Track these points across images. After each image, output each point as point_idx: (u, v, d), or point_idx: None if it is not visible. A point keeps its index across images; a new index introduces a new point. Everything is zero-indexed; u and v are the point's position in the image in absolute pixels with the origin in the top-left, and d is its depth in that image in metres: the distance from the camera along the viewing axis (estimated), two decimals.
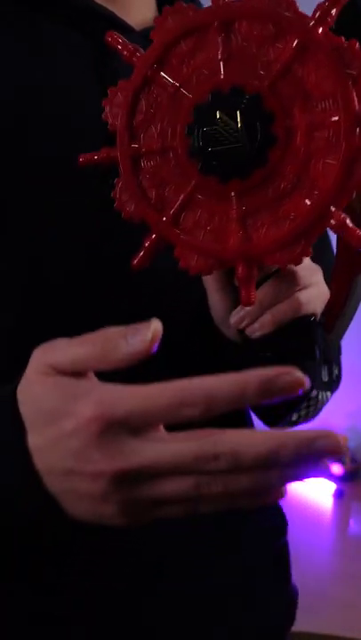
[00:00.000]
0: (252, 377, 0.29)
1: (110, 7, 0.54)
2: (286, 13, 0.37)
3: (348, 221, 0.37)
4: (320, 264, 0.48)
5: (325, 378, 0.61)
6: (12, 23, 0.51)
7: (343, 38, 0.36)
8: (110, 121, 0.40)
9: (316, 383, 0.59)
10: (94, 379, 0.34)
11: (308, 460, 0.29)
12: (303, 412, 0.60)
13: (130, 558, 0.52)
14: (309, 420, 0.63)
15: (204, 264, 0.40)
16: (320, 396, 0.60)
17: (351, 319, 0.53)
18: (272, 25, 0.37)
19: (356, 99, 0.36)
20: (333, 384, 0.64)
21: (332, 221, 0.37)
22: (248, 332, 0.41)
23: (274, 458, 0.29)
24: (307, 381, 0.29)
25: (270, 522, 0.62)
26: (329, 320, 0.53)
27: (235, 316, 0.45)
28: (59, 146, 0.42)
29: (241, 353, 0.48)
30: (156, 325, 0.32)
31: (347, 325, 0.53)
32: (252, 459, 0.29)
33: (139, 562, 0.53)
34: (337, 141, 0.36)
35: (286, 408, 0.59)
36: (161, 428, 0.32)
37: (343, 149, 0.36)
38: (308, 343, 0.50)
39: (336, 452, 0.28)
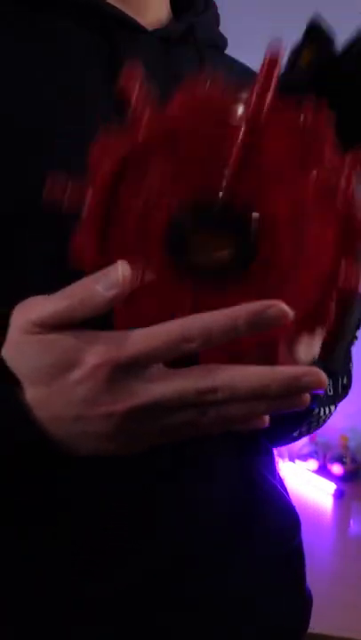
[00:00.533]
0: (242, 311, 0.32)
1: (122, 7, 0.54)
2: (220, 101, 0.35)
3: (284, 358, 0.36)
4: None
5: (330, 392, 0.61)
6: (26, 23, 0.51)
7: (292, 105, 0.34)
8: (94, 170, 0.37)
9: (319, 400, 0.59)
10: (86, 330, 0.35)
11: (294, 393, 0.33)
12: (305, 429, 0.60)
13: (143, 559, 0.52)
14: (312, 433, 0.64)
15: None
16: (322, 412, 0.60)
17: (353, 333, 0.53)
18: (212, 123, 0.35)
19: (325, 156, 0.34)
20: (340, 395, 0.64)
21: (278, 354, 0.35)
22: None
23: (265, 391, 0.32)
24: (291, 314, 0.32)
25: (283, 522, 0.62)
26: (329, 343, 0.52)
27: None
28: (73, 145, 0.42)
29: None
30: (123, 266, 0.34)
31: (347, 342, 0.53)
32: (246, 391, 0.33)
33: (152, 563, 0.52)
34: (324, 204, 0.34)
35: (288, 425, 0.59)
36: (162, 365, 0.34)
37: (333, 211, 0.34)
38: None
39: (320, 388, 0.33)
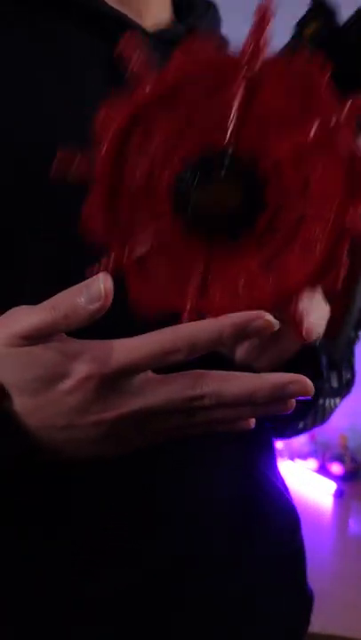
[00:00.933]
0: (228, 323, 0.33)
1: (123, 10, 0.54)
2: (220, 54, 0.35)
3: (299, 316, 0.36)
4: None
5: (335, 384, 0.60)
6: (26, 24, 0.51)
7: (288, 55, 0.34)
8: (98, 137, 0.38)
9: (324, 392, 0.59)
10: (73, 339, 0.36)
11: (279, 400, 0.34)
12: (310, 420, 0.60)
13: (143, 559, 0.52)
14: (318, 426, 0.63)
15: (152, 309, 0.38)
16: (327, 404, 0.60)
17: (355, 321, 0.53)
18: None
19: (324, 105, 0.34)
20: (344, 389, 0.63)
21: (290, 309, 0.36)
22: (256, 367, 0.41)
23: (251, 398, 0.33)
24: (277, 324, 0.32)
25: (283, 521, 0.62)
26: (333, 329, 0.52)
27: (239, 352, 0.45)
28: (74, 146, 0.42)
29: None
30: (104, 278, 0.34)
31: (351, 328, 0.53)
32: (233, 399, 0.34)
33: (152, 563, 0.53)
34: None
35: (293, 417, 0.59)
36: (150, 372, 0.35)
37: (336, 159, 0.35)
38: (314, 365, 0.50)
39: (306, 395, 0.33)
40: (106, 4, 0.53)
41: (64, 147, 0.38)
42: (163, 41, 0.56)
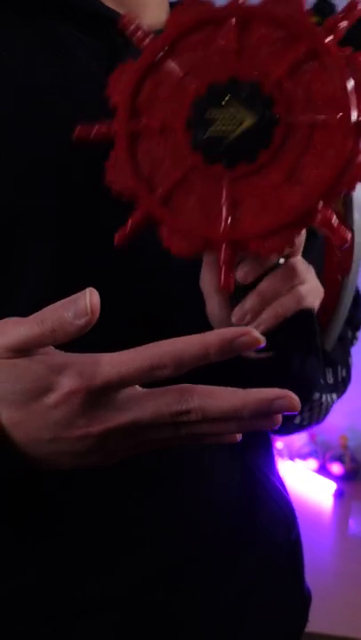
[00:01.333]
0: (214, 338, 0.33)
1: (121, 10, 0.54)
2: (300, 22, 0.38)
3: (333, 219, 0.37)
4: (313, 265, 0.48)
5: (330, 380, 0.60)
6: (26, 27, 0.51)
7: (351, 49, 0.37)
8: (113, 98, 0.41)
9: (320, 386, 0.58)
10: (60, 352, 0.36)
11: (265, 415, 0.34)
12: (307, 415, 0.60)
13: (141, 559, 0.52)
14: (317, 423, 0.63)
15: (188, 246, 0.40)
16: (324, 399, 0.60)
17: (343, 320, 0.53)
18: (285, 30, 0.38)
19: (354, 106, 0.37)
20: (340, 386, 0.63)
21: (319, 216, 0.37)
22: (252, 326, 0.42)
23: (237, 414, 0.34)
24: (263, 340, 0.33)
25: (281, 519, 0.62)
26: (323, 319, 0.53)
27: (237, 314, 0.45)
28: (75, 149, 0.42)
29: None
30: (91, 294, 0.34)
31: (339, 327, 0.53)
32: (219, 414, 0.33)
33: (150, 563, 0.53)
34: (332, 143, 0.37)
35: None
36: (136, 386, 0.35)
37: (337, 151, 0.37)
38: (309, 336, 0.50)
39: (292, 410, 0.34)
40: (104, 5, 0.53)
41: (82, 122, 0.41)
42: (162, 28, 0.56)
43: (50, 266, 0.47)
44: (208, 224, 0.40)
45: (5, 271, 0.48)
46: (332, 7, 0.37)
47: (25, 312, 0.49)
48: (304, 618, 0.64)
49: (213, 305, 0.46)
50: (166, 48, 0.40)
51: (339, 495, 1.57)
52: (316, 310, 0.49)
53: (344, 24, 0.37)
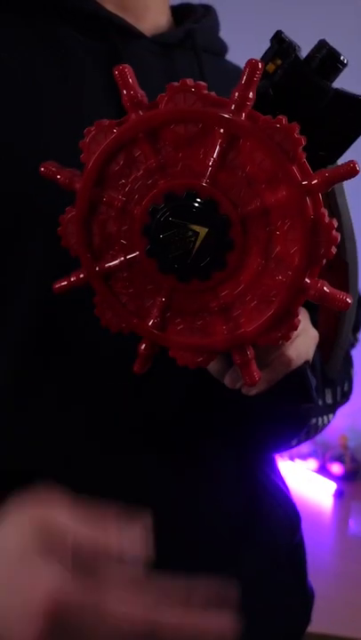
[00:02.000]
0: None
1: (122, 14, 0.54)
2: (206, 107, 0.36)
3: (325, 288, 0.37)
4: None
5: (329, 400, 0.61)
6: (27, 29, 0.51)
7: (270, 117, 0.35)
8: (70, 245, 0.40)
9: (317, 409, 0.59)
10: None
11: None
12: (303, 438, 0.60)
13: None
14: (310, 439, 0.64)
15: (201, 359, 0.40)
16: (320, 422, 0.60)
17: (347, 343, 0.53)
18: (194, 124, 0.36)
19: (297, 172, 0.35)
20: (339, 402, 0.63)
21: (312, 291, 0.37)
22: (244, 391, 0.42)
23: None
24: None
25: (284, 519, 0.62)
26: (325, 352, 0.53)
27: (228, 378, 0.45)
28: (72, 153, 0.42)
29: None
30: (145, 522, 0.36)
31: (343, 349, 0.53)
32: None
33: (152, 562, 0.53)
34: (292, 218, 0.36)
35: (286, 435, 0.59)
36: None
37: (300, 225, 0.36)
38: (303, 389, 0.50)
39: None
40: (104, 8, 0.53)
41: (49, 159, 0.40)
42: (161, 45, 0.56)
43: (49, 266, 0.47)
44: (210, 336, 0.40)
45: (5, 271, 0.48)
46: (293, 48, 0.36)
47: (25, 313, 0.49)
48: (306, 618, 0.64)
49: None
50: (95, 185, 0.39)
51: (339, 495, 1.57)
52: (311, 358, 0.49)
53: (250, 95, 0.35)
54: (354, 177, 0.36)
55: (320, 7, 1.52)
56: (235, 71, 0.66)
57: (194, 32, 0.58)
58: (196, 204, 0.36)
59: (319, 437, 1.69)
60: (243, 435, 0.56)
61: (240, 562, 0.57)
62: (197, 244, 0.37)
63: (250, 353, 0.40)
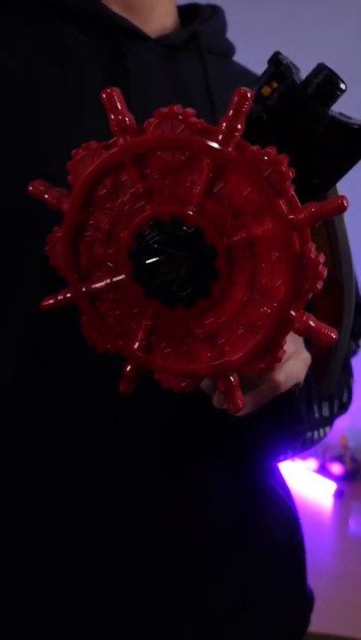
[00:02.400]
0: None
1: (127, 15, 0.54)
2: (193, 136, 0.35)
3: (311, 322, 0.36)
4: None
5: (326, 413, 0.61)
6: (31, 30, 0.51)
7: (259, 147, 0.34)
8: (57, 265, 0.40)
9: (313, 423, 0.59)
10: None
11: None
12: (299, 449, 0.60)
13: (143, 560, 0.52)
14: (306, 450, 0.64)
15: (185, 384, 0.40)
16: (316, 435, 0.60)
17: (341, 359, 0.53)
18: (181, 152, 0.35)
19: (283, 206, 0.35)
20: (338, 414, 0.63)
21: (297, 324, 0.37)
22: (230, 411, 0.42)
23: None
24: None
25: (283, 521, 0.62)
26: (319, 370, 0.53)
27: (216, 398, 0.45)
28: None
29: None
30: None
31: (338, 367, 0.53)
32: None
33: (152, 564, 0.53)
34: (278, 251, 0.35)
35: (280, 449, 0.59)
36: None
37: (285, 259, 0.35)
38: (292, 412, 0.50)
39: None
40: (109, 9, 0.53)
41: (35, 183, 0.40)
42: (166, 46, 0.56)
43: (49, 266, 0.47)
44: (195, 361, 0.40)
45: (5, 271, 0.48)
46: (290, 71, 0.36)
47: (25, 313, 0.49)
48: (306, 620, 0.64)
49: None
50: (82, 208, 0.38)
51: (339, 495, 1.57)
52: (302, 381, 0.49)
53: (238, 126, 0.34)
54: (342, 213, 0.35)
55: (325, 9, 1.52)
56: (241, 73, 0.65)
57: (199, 33, 0.58)
58: (182, 232, 0.36)
59: None
60: (236, 435, 0.56)
61: (238, 562, 0.57)
62: (182, 271, 0.37)
63: (234, 380, 0.39)
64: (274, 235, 0.35)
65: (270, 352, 0.38)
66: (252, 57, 0.64)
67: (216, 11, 0.63)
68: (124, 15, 0.54)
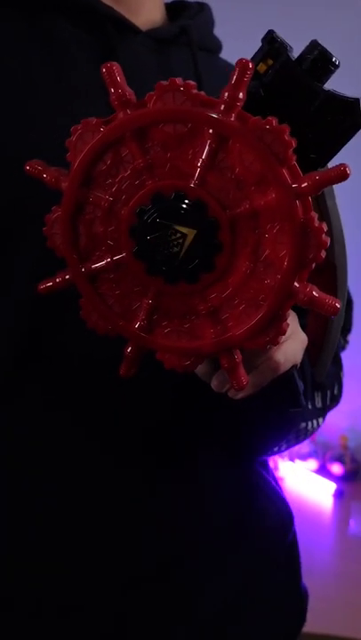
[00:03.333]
0: None
1: (117, 8, 0.54)
2: (195, 107, 0.35)
3: (315, 292, 0.36)
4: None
5: (319, 404, 0.61)
6: (23, 24, 0.51)
7: (260, 118, 0.34)
8: (56, 246, 0.39)
9: (307, 413, 0.59)
10: None
11: None
12: (293, 441, 0.60)
13: (138, 559, 0.52)
14: (299, 443, 0.64)
15: (188, 362, 0.40)
16: (310, 426, 0.60)
17: (335, 346, 0.53)
18: (183, 124, 0.35)
19: (286, 175, 0.35)
20: (330, 406, 0.63)
21: (301, 296, 0.36)
22: (230, 395, 0.42)
23: None
24: None
25: (277, 520, 0.62)
26: (313, 354, 0.53)
27: (215, 381, 0.45)
28: (66, 147, 0.42)
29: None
30: None
31: (332, 352, 0.53)
32: None
33: (147, 562, 0.53)
34: (281, 221, 0.35)
35: (273, 440, 0.59)
36: None
37: (289, 228, 0.35)
38: (291, 394, 0.50)
39: None
40: (101, 2, 0.53)
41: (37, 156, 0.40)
42: (155, 40, 0.56)
43: (39, 266, 0.47)
44: (198, 339, 0.39)
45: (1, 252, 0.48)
46: (284, 48, 0.36)
47: (15, 308, 0.49)
48: (302, 617, 0.64)
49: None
50: (82, 185, 0.38)
51: (339, 495, 1.57)
52: (299, 362, 0.49)
53: (240, 95, 0.35)
54: (344, 180, 0.35)
55: (316, 4, 1.52)
56: (229, 69, 0.65)
57: (189, 28, 0.58)
58: (184, 206, 0.36)
59: (319, 438, 1.69)
60: (235, 434, 0.56)
61: (235, 561, 0.57)
62: (185, 246, 0.36)
63: (238, 357, 0.39)
64: (277, 204, 0.35)
65: (274, 325, 0.38)
66: (238, 54, 0.64)
67: (202, 7, 0.63)
68: (115, 8, 0.54)
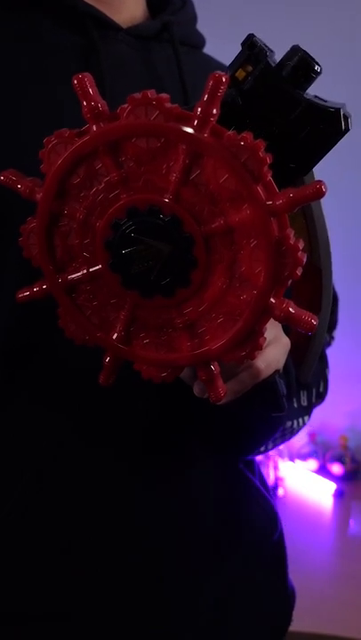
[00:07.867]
0: None
1: (98, 6, 0.54)
2: (167, 122, 0.35)
3: (291, 309, 0.36)
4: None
5: (304, 402, 0.60)
6: (4, 22, 0.52)
7: (235, 133, 0.33)
8: (32, 256, 0.39)
9: (292, 412, 0.59)
10: None
11: None
12: (279, 440, 0.60)
13: (126, 565, 0.52)
14: (285, 442, 0.64)
15: (165, 374, 0.39)
16: (295, 424, 0.60)
17: (321, 346, 0.53)
18: (156, 138, 0.35)
19: (261, 192, 0.34)
20: (315, 403, 0.63)
21: (277, 312, 0.36)
22: (212, 400, 0.42)
23: None
24: None
25: (263, 520, 0.62)
26: (298, 356, 0.52)
27: (196, 388, 0.45)
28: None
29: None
30: None
31: (317, 354, 0.53)
32: None
33: (135, 565, 0.53)
34: (256, 238, 0.35)
35: (259, 440, 0.59)
36: None
37: (264, 245, 0.35)
38: (273, 399, 0.50)
39: None
40: (82, 1, 0.53)
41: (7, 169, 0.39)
42: (137, 37, 0.56)
43: (26, 273, 0.47)
44: (175, 351, 0.39)
45: None
46: (264, 54, 0.35)
47: (7, 314, 0.49)
48: (288, 617, 0.64)
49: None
50: (56, 197, 0.37)
51: (339, 495, 1.57)
52: (281, 368, 0.49)
53: (213, 111, 0.34)
54: (321, 198, 0.34)
55: (316, 4, 1.52)
56: (212, 64, 0.64)
57: (171, 24, 0.58)
58: (159, 221, 0.36)
59: (319, 437, 1.69)
60: (220, 435, 0.56)
61: (222, 560, 0.57)
62: (160, 261, 0.36)
63: (215, 369, 0.39)
64: (252, 221, 0.35)
65: (251, 340, 0.38)
66: (223, 49, 0.64)
67: (185, 2, 0.63)
68: (96, 6, 0.54)
